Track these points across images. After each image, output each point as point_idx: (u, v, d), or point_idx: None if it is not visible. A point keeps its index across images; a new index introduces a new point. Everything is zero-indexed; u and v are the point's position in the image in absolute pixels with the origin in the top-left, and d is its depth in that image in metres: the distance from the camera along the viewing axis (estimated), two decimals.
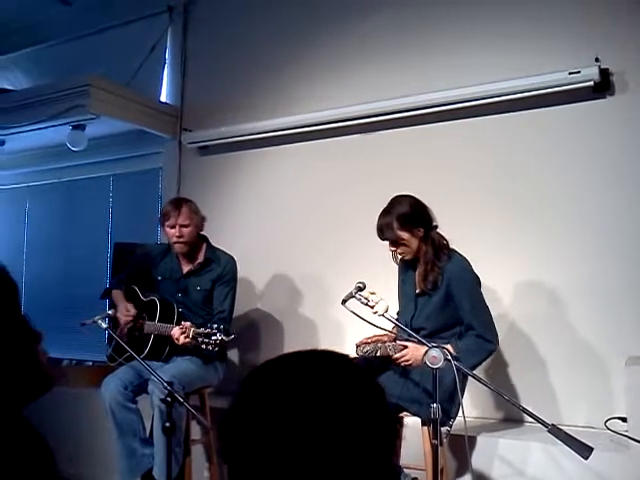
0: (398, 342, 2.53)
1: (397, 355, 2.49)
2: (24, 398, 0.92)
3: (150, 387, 2.78)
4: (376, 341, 2.57)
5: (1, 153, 4.52)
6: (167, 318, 3.02)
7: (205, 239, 3.22)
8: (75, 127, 4.01)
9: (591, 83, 2.91)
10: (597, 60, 2.88)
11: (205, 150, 4.15)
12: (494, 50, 3.24)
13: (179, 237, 3.05)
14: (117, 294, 3.20)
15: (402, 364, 2.51)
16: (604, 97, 2.99)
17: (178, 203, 3.11)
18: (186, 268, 3.16)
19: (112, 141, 4.34)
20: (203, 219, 3.16)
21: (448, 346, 2.38)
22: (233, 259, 3.20)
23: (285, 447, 0.65)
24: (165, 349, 3.00)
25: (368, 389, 0.70)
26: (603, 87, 2.95)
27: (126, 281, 3.27)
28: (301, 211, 3.78)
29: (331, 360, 0.71)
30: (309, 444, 0.64)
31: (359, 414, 0.67)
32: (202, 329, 2.77)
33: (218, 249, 3.22)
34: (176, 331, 2.83)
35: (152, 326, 3.01)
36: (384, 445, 0.68)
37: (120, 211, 4.67)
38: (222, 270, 3.14)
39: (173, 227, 3.05)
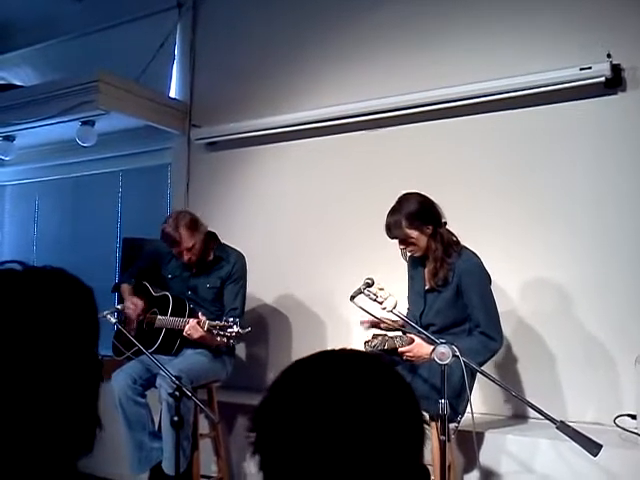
0: (407, 334, 2.52)
1: (403, 349, 2.49)
2: (81, 447, 0.77)
3: (158, 381, 2.79)
4: (384, 335, 2.56)
5: (11, 149, 4.54)
6: (179, 313, 3.02)
7: (213, 237, 3.20)
8: (84, 123, 4.04)
9: (602, 79, 2.89)
10: (609, 56, 2.86)
11: (214, 146, 4.15)
12: (504, 46, 3.22)
13: (189, 259, 3.04)
14: (125, 288, 3.21)
15: (406, 359, 2.51)
16: (615, 93, 2.97)
17: (175, 229, 2.94)
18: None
19: (121, 137, 4.35)
20: (204, 230, 3.08)
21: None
22: (242, 255, 3.19)
23: (318, 443, 0.66)
24: (175, 343, 3.01)
25: (400, 390, 0.72)
26: (615, 83, 2.93)
27: (136, 275, 3.27)
28: (309, 206, 3.78)
29: (365, 360, 0.73)
30: (342, 440, 0.66)
31: (391, 413, 0.68)
32: (217, 321, 2.75)
33: (227, 246, 3.21)
34: (192, 323, 2.81)
35: (164, 320, 3.01)
36: (414, 444, 0.70)
37: (129, 206, 4.69)
38: (232, 268, 3.13)
39: (180, 253, 3.02)
